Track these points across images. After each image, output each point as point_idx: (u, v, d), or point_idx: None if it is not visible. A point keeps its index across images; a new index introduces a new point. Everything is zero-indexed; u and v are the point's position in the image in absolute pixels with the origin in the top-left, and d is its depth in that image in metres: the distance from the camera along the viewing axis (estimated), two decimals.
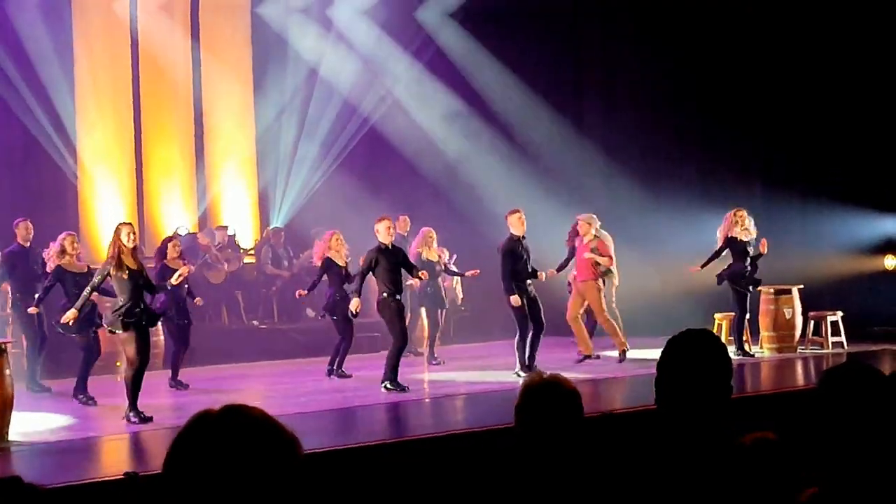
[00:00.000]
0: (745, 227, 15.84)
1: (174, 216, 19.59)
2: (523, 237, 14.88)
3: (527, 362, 14.61)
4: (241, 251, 19.62)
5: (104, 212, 18.84)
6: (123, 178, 19.44)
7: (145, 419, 11.65)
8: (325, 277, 15.20)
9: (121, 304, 11.87)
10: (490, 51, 20.73)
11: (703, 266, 16.00)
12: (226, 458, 2.30)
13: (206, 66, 20.29)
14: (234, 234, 19.60)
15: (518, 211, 15.04)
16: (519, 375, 14.43)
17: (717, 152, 18.84)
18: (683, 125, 19.37)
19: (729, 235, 15.84)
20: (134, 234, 12.14)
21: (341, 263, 15.07)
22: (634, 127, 19.83)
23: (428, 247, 16.36)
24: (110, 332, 12.22)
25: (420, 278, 14.87)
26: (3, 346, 11.10)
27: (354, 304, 14.04)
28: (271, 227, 20.15)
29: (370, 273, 14.00)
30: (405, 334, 14.08)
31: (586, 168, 20.10)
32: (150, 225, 19.42)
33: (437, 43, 20.95)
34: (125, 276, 11.88)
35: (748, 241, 15.87)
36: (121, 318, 11.79)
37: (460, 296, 17.51)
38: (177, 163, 20.16)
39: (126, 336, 11.86)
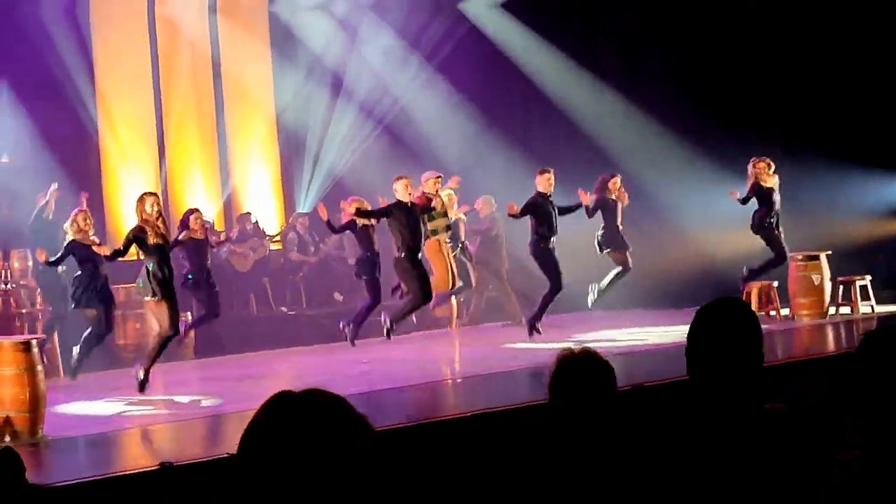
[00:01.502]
0: (769, 174, 15.85)
1: (199, 204, 19.57)
2: (549, 196, 14.95)
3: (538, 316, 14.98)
4: (267, 238, 19.63)
5: (129, 203, 18.84)
6: (147, 168, 19.45)
7: (143, 385, 12.09)
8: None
9: (150, 270, 12.16)
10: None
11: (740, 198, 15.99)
12: (307, 439, 2.32)
13: (224, 46, 20.26)
14: (257, 222, 19.61)
15: (548, 171, 15.20)
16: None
17: (738, 119, 18.72)
18: (702, 93, 19.24)
19: (756, 182, 15.85)
20: (158, 204, 12.44)
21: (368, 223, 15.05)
22: (653, 96, 19.72)
23: (450, 209, 16.26)
24: (140, 295, 12.65)
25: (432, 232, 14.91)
26: (32, 342, 11.18)
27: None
28: (297, 212, 20.15)
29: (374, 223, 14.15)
30: (424, 291, 14.09)
31: (605, 136, 19.99)
32: (174, 215, 19.43)
33: (468, 18, 20.83)
34: (152, 243, 12.14)
35: (773, 189, 15.85)
36: (151, 284, 12.12)
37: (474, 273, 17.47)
38: (199, 152, 20.16)
39: (156, 302, 12.21)
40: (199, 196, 19.86)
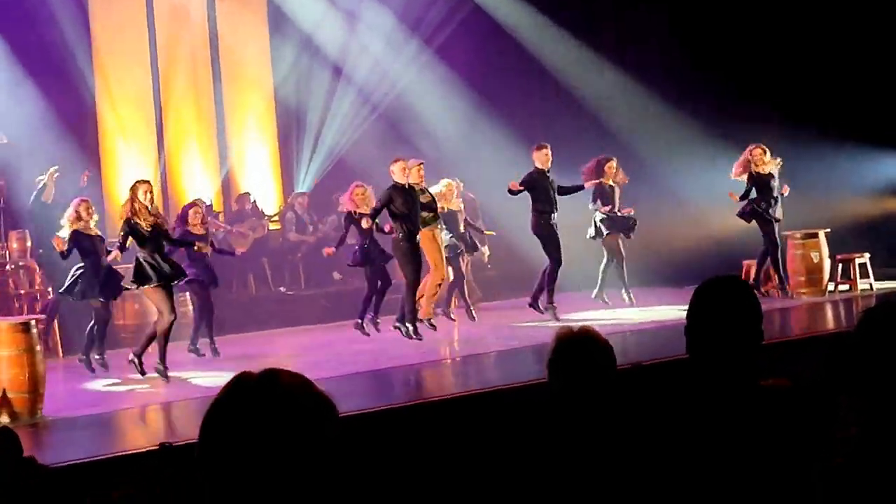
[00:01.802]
0: (765, 161, 15.82)
1: (196, 184, 19.58)
2: (548, 171, 14.96)
3: (538, 293, 15.07)
4: (266, 218, 19.60)
5: (127, 182, 18.82)
6: (145, 148, 19.42)
7: (142, 371, 12.39)
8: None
9: (142, 259, 12.21)
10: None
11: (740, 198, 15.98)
12: (266, 422, 2.26)
13: (222, 26, 20.22)
14: (256, 201, 19.59)
15: (545, 146, 15.18)
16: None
17: (736, 97, 18.68)
18: (703, 70, 19.18)
19: (752, 171, 15.83)
20: (151, 192, 12.50)
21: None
22: (654, 73, 19.67)
23: (449, 199, 16.22)
24: (126, 288, 12.70)
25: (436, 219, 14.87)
26: (31, 323, 11.18)
27: (366, 222, 14.01)
28: (295, 192, 20.12)
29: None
30: (415, 276, 14.06)
31: (606, 114, 19.97)
32: (172, 195, 19.42)
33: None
34: (145, 233, 12.20)
35: (770, 175, 15.83)
36: (146, 272, 12.18)
37: (486, 253, 17.43)
38: (197, 132, 20.13)
39: (148, 290, 12.49)
40: (197, 176, 19.85)
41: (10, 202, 16.94)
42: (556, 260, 15.05)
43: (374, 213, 14.10)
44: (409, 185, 14.12)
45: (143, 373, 12.51)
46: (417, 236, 14.13)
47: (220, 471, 2.28)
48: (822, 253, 16.40)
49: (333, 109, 20.69)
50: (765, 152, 15.89)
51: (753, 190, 15.93)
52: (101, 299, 13.21)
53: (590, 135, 19.09)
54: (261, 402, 2.28)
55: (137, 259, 12.56)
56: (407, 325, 13.91)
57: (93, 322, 13.40)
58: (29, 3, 17.78)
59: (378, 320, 14.73)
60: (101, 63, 19.00)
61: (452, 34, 20.55)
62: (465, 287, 16.68)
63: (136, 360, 12.60)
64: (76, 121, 18.49)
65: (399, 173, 14.13)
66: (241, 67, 20.50)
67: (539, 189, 15.04)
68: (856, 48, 17.82)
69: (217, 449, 2.29)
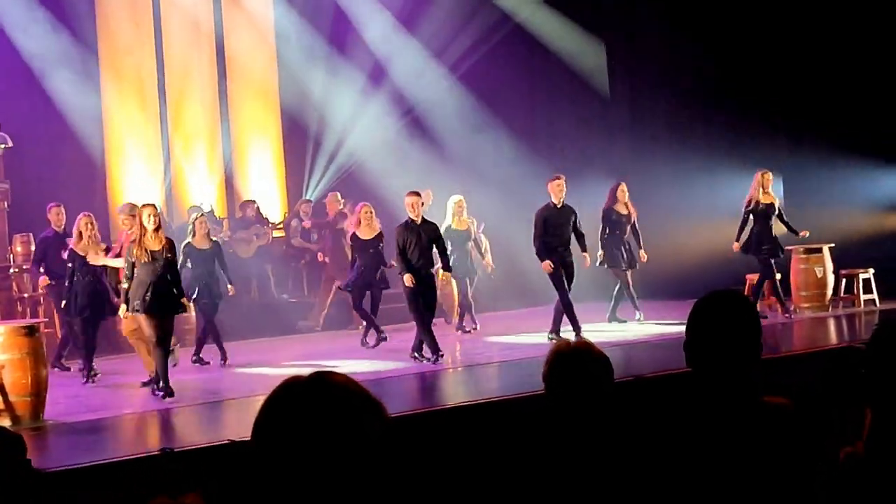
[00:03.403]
0: (767, 191, 15.73)
1: (201, 192, 19.58)
2: (561, 205, 14.90)
3: (558, 328, 14.67)
4: (270, 225, 19.61)
5: (132, 188, 18.87)
6: (151, 153, 19.43)
7: (168, 394, 11.75)
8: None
9: (138, 286, 11.86)
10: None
11: (739, 241, 15.81)
12: (317, 424, 2.31)
13: (228, 30, 20.26)
14: (259, 208, 19.59)
15: (558, 178, 15.09)
16: (550, 339, 14.52)
17: (743, 111, 18.70)
18: (709, 86, 19.22)
19: (752, 199, 15.69)
20: (155, 215, 12.08)
21: (365, 237, 15.02)
22: (660, 88, 19.72)
23: (458, 216, 16.24)
24: (132, 312, 12.14)
25: (448, 268, 14.79)
26: (35, 327, 11.19)
27: (407, 279, 13.79)
28: (305, 199, 20.11)
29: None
30: (416, 310, 13.88)
31: (612, 130, 20.02)
32: (177, 200, 19.43)
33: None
34: (145, 260, 11.87)
35: (770, 205, 15.71)
36: (138, 301, 11.80)
37: (491, 264, 17.43)
38: (203, 138, 20.15)
39: (141, 318, 11.91)
40: (201, 182, 19.85)
41: (14, 205, 16.95)
42: (560, 295, 14.87)
43: (399, 254, 13.89)
44: (423, 219, 14.00)
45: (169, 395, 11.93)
46: (423, 272, 13.95)
47: (275, 470, 2.33)
48: (826, 268, 16.39)
49: (338, 118, 20.67)
50: (770, 180, 15.78)
51: (751, 219, 15.80)
52: (86, 318, 13.24)
53: (595, 148, 19.13)
54: (311, 402, 2.34)
55: (135, 285, 11.96)
56: (423, 355, 13.75)
57: (82, 340, 13.43)
58: (40, 9, 17.81)
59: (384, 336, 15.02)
60: (107, 67, 19.00)
61: (455, 38, 20.56)
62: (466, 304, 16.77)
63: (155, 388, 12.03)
64: (82, 126, 18.51)
65: (409, 208, 14.00)
66: (246, 74, 20.51)
67: (547, 225, 14.94)
68: (860, 64, 17.83)
69: (271, 449, 2.34)
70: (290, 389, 2.39)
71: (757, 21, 18.61)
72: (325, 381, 2.38)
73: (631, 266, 16.38)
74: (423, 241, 13.85)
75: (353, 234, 15.16)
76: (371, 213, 15.11)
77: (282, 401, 2.38)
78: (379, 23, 20.65)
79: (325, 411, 2.33)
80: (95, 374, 13.29)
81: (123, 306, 12.12)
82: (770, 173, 15.83)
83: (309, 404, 2.34)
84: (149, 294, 11.78)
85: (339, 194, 18.39)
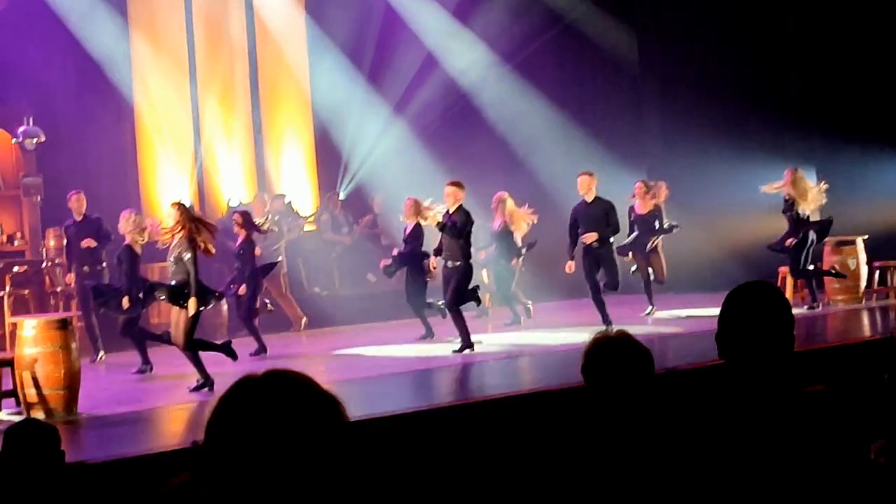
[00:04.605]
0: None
1: (234, 185, 19.62)
2: (590, 199, 14.85)
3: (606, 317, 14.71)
4: (301, 219, 19.64)
5: (165, 183, 18.95)
6: (182, 146, 19.49)
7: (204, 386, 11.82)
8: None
9: (186, 281, 11.95)
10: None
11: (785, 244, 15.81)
12: (269, 422, 2.28)
13: (259, 26, 20.29)
14: (291, 202, 19.62)
15: (583, 174, 15.04)
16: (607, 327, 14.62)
17: (777, 103, 18.60)
18: (743, 78, 19.13)
19: (786, 197, 15.66)
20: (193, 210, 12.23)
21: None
22: (692, 79, 19.64)
23: (500, 211, 16.15)
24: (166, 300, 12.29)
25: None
26: (68, 320, 11.25)
27: (432, 261, 13.99)
28: (334, 193, 20.12)
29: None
30: (452, 298, 13.90)
31: (643, 123, 19.95)
32: (209, 195, 19.47)
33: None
34: (191, 255, 11.93)
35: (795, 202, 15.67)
36: (186, 294, 11.88)
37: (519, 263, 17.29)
38: (235, 131, 20.18)
39: (180, 308, 12.03)
40: (233, 176, 19.89)
41: (47, 199, 17.07)
42: (590, 284, 14.87)
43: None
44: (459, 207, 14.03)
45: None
46: (450, 262, 13.98)
47: (226, 469, 2.29)
48: (860, 259, 16.29)
49: (369, 111, 20.64)
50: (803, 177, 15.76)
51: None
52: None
53: (624, 141, 19.07)
54: (264, 400, 2.31)
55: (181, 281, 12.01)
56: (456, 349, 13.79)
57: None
58: (74, 18, 17.88)
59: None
60: (139, 61, 19.04)
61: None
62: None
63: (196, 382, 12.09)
64: (114, 122, 18.59)
65: (451, 198, 14.03)
66: (279, 66, 20.52)
67: (579, 219, 14.94)
68: (892, 53, 17.71)
69: (221, 447, 2.31)
70: (243, 388, 2.36)
71: (792, 12, 18.52)
72: (278, 379, 2.35)
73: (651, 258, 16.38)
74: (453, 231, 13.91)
75: (418, 223, 15.04)
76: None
77: (234, 400, 2.35)
78: (427, 16, 20.55)
79: (277, 409, 2.29)
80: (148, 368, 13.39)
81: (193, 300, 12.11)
82: (800, 169, 15.82)
83: (261, 403, 2.30)
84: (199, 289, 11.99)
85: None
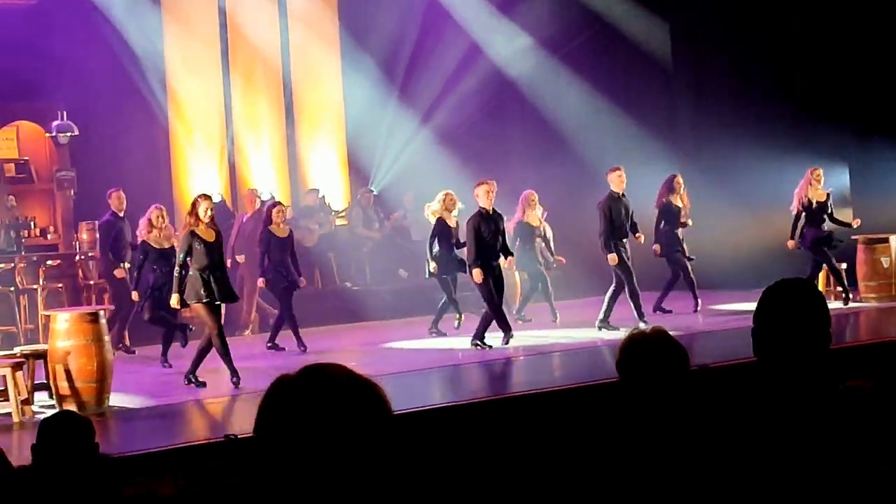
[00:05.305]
0: (817, 188, 15.62)
1: (266, 180, 19.66)
2: (623, 194, 14.84)
3: (637, 316, 14.62)
4: (333, 214, 19.68)
5: (196, 178, 19.01)
6: (214, 140, 19.56)
7: (200, 384, 11.90)
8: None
9: (195, 276, 11.96)
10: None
11: (794, 238, 15.78)
12: (310, 418, 2.29)
13: (292, 23, 20.32)
14: (324, 197, 19.67)
15: (618, 169, 15.05)
16: (600, 329, 14.70)
17: (809, 100, 18.50)
18: (773, 73, 19.04)
19: (806, 198, 15.59)
20: (211, 209, 12.14)
21: (451, 224, 14.85)
22: (724, 74, 19.57)
23: (530, 210, 16.09)
24: (184, 305, 12.24)
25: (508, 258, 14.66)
26: (100, 314, 11.30)
27: (477, 275, 13.69)
28: (367, 188, 20.12)
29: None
30: (490, 299, 13.83)
31: (677, 117, 19.88)
32: (240, 188, 19.50)
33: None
34: (200, 249, 11.91)
35: (825, 201, 15.61)
36: (194, 291, 11.88)
37: (559, 258, 17.18)
38: (267, 126, 20.24)
39: (197, 307, 12.05)
40: (265, 170, 19.94)
41: (80, 193, 17.16)
42: (616, 282, 14.82)
43: (470, 244, 13.94)
44: (494, 210, 13.96)
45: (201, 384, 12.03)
46: (490, 262, 13.89)
47: (276, 464, 2.32)
48: (893, 258, 16.18)
49: (404, 112, 20.63)
50: (821, 176, 15.68)
51: (803, 216, 15.72)
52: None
53: (658, 137, 19.00)
54: (302, 398, 2.33)
55: (196, 272, 11.98)
56: (476, 341, 13.76)
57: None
58: (113, 12, 17.95)
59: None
60: (173, 60, 19.13)
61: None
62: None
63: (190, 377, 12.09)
64: (147, 117, 18.65)
65: (483, 197, 13.95)
66: (312, 60, 20.54)
67: (612, 215, 14.86)
68: None
69: (270, 445, 2.33)
70: (282, 386, 2.37)
71: (824, 7, 18.41)
72: (316, 374, 2.37)
73: (689, 257, 16.25)
74: (492, 232, 13.81)
75: (439, 219, 14.95)
76: (453, 199, 14.91)
77: (276, 398, 2.36)
78: (469, 7, 20.51)
79: (319, 403, 2.31)
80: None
81: (175, 297, 12.18)
82: (820, 170, 15.72)
83: (303, 399, 2.32)
84: (204, 285, 11.95)
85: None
